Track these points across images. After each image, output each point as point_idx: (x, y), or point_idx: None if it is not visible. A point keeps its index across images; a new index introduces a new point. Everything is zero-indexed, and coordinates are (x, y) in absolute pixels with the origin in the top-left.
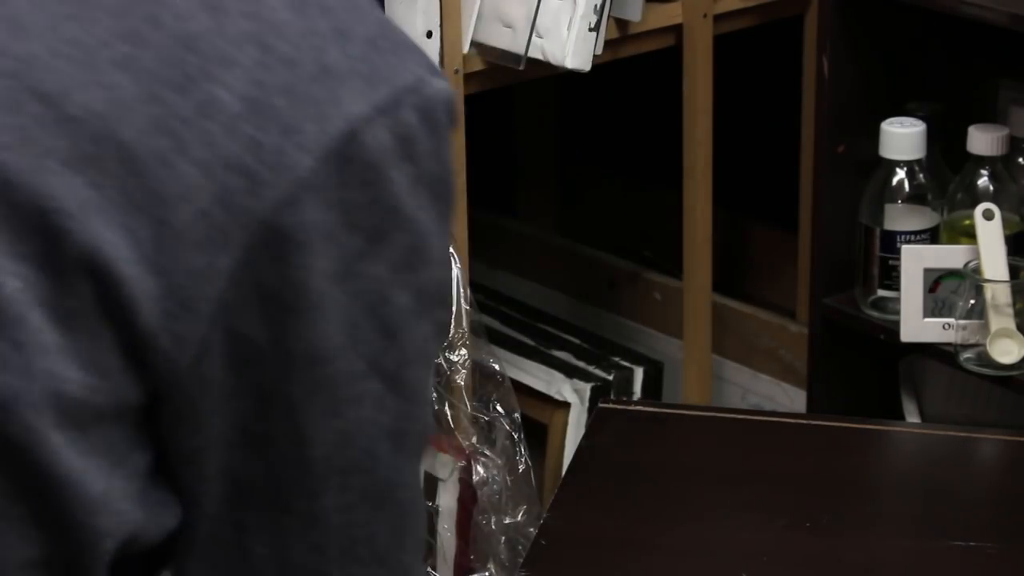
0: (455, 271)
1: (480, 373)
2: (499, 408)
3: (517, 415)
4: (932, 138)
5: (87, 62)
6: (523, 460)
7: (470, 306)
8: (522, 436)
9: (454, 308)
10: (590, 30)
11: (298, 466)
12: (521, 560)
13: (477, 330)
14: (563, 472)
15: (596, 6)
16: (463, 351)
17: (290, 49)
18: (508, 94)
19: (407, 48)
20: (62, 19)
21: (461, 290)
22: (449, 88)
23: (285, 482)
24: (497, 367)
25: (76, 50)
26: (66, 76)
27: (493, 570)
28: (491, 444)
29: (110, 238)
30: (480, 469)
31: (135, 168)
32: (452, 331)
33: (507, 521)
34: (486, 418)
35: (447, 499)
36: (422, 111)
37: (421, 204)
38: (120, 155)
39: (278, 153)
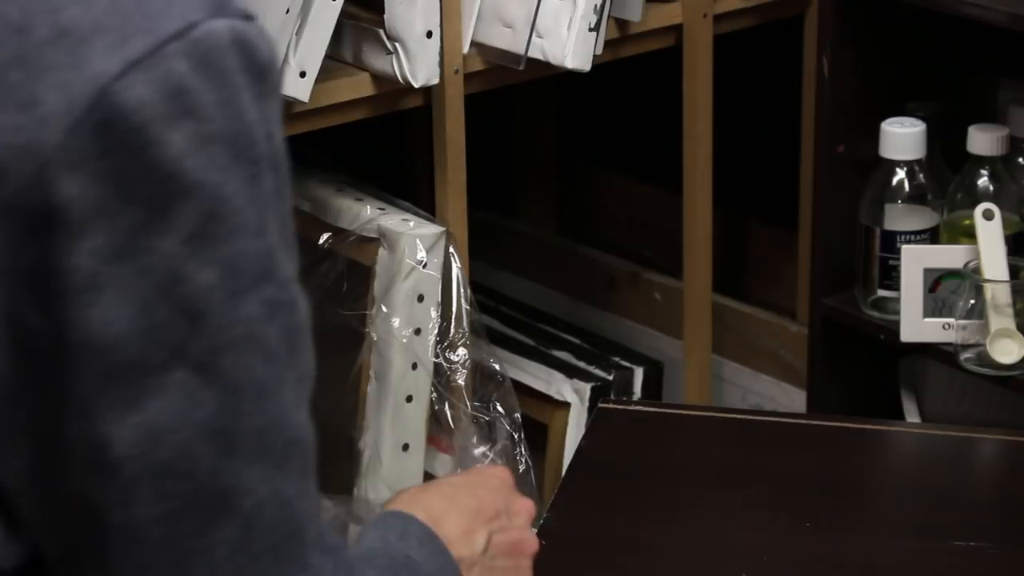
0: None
1: (480, 373)
2: (499, 408)
3: (517, 415)
4: (932, 138)
5: None
6: (523, 460)
7: (470, 306)
8: (522, 436)
9: (454, 307)
10: (590, 30)
11: (103, 471)
12: None
13: (477, 330)
14: (563, 472)
15: (596, 6)
16: (463, 351)
17: (19, 14)
18: (508, 94)
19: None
20: None
21: (461, 290)
22: (241, 27)
23: (94, 492)
24: (497, 367)
25: None
26: None
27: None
28: (491, 444)
29: None
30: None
31: None
32: (452, 331)
33: None
34: (486, 418)
35: None
36: (197, 58)
37: (215, 166)
38: None
39: (17, 132)
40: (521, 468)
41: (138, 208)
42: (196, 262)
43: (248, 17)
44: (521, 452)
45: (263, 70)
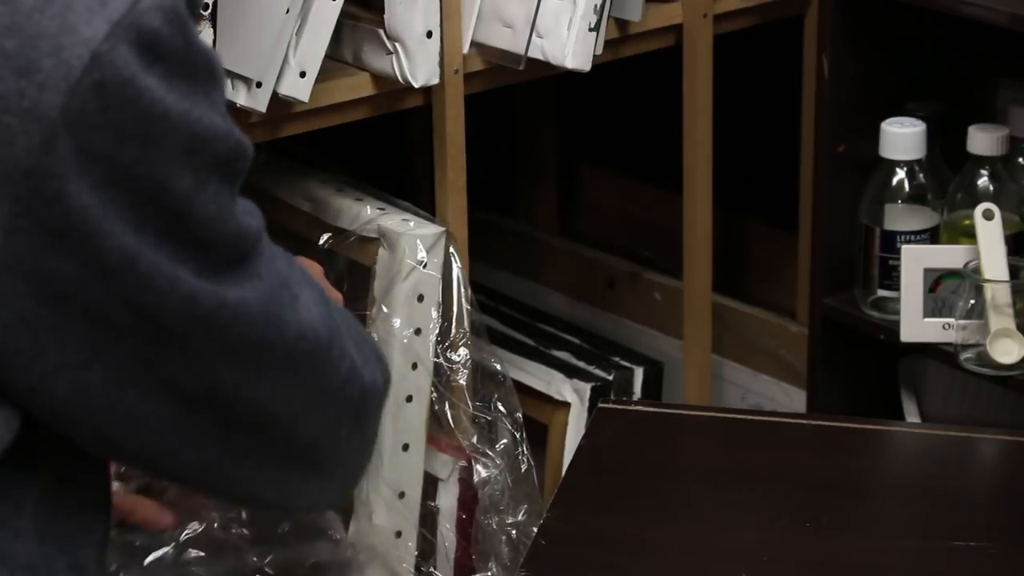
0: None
1: (481, 373)
2: (501, 408)
3: (519, 414)
4: (932, 138)
5: None
6: (525, 460)
7: (471, 306)
8: (524, 436)
9: (455, 307)
10: (590, 30)
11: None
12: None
13: (478, 330)
14: (563, 472)
15: (596, 6)
16: (463, 351)
17: None
18: (508, 94)
19: None
20: None
21: (462, 290)
22: None
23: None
24: (498, 367)
25: None
26: None
27: (495, 570)
28: (493, 444)
29: None
30: (481, 469)
31: None
32: (453, 331)
33: (509, 520)
34: (488, 418)
35: (447, 499)
36: (164, 11)
37: (188, 98)
38: None
39: (20, 97)
40: (523, 468)
41: (134, 145)
42: (178, 173)
43: None
44: (523, 452)
45: (199, 4)
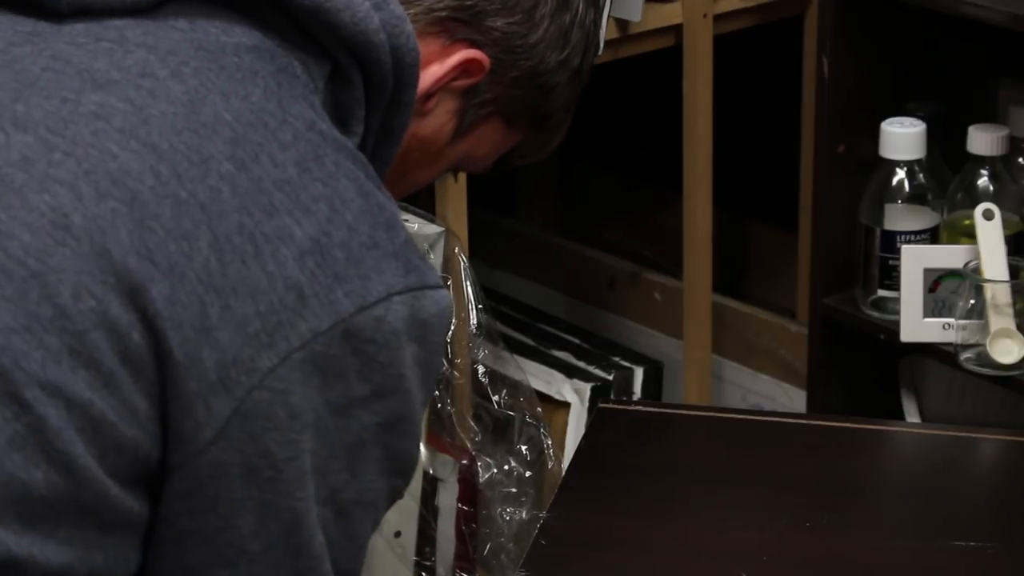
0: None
1: (497, 374)
2: (524, 405)
3: (539, 410)
4: (932, 138)
5: (200, 164)
6: (551, 456)
7: (482, 306)
8: (549, 431)
9: (466, 307)
10: None
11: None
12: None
13: (490, 330)
14: (563, 472)
15: None
16: (467, 351)
17: (352, 219)
18: None
19: (431, 266)
20: (185, 130)
21: (470, 288)
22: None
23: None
24: (512, 365)
25: (193, 154)
26: (182, 168)
27: (504, 567)
28: (504, 443)
29: (183, 299)
30: (492, 467)
31: (221, 256)
32: (459, 331)
33: (524, 517)
34: (510, 413)
35: (447, 499)
36: (439, 308)
37: (417, 382)
38: (211, 241)
39: (328, 291)
40: (551, 464)
41: (367, 387)
42: (375, 440)
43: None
44: (548, 446)
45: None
